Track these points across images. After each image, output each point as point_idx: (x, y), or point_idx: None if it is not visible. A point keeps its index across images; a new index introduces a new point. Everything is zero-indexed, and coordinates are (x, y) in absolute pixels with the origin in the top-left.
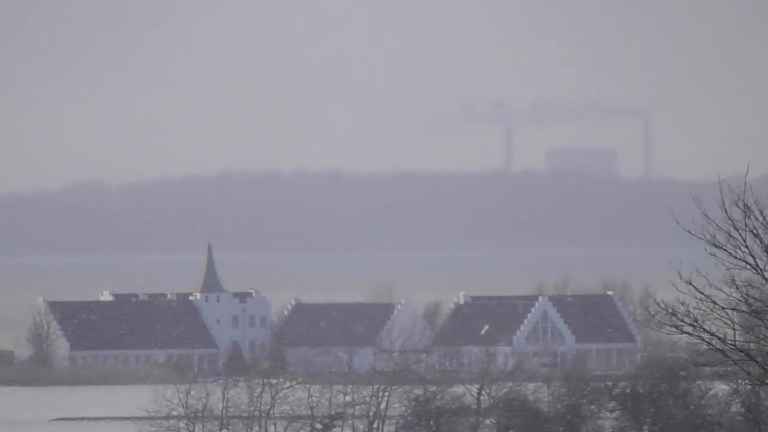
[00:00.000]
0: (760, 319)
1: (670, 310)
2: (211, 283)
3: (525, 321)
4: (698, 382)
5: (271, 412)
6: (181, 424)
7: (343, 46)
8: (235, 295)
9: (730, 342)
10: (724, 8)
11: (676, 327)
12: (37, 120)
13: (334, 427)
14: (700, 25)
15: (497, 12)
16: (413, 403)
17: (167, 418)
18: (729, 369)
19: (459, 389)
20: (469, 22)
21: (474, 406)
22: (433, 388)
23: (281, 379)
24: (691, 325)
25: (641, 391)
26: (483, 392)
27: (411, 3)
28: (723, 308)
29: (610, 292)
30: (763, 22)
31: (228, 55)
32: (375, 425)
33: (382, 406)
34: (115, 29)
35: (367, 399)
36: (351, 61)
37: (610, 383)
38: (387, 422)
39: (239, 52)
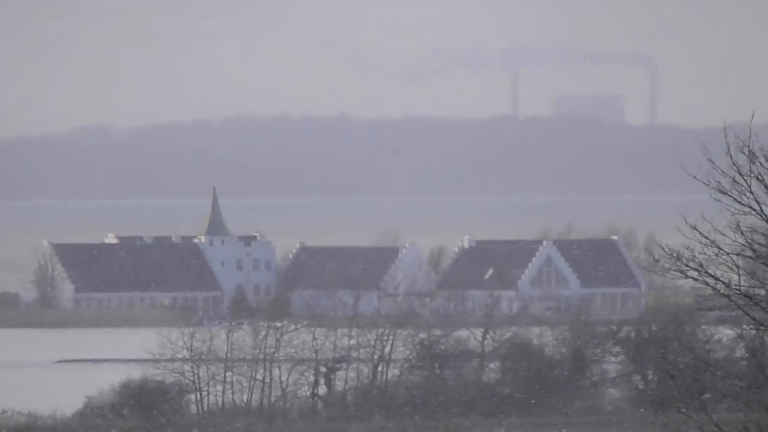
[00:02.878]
0: (764, 264)
1: (674, 255)
2: (216, 226)
3: (529, 265)
4: (703, 326)
5: (276, 354)
6: (186, 367)
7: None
8: (240, 238)
9: (734, 287)
10: None
11: (681, 272)
12: (46, 64)
13: (339, 370)
14: None
15: None
16: (417, 346)
17: (172, 360)
18: (733, 314)
19: (463, 333)
20: None
21: (478, 350)
22: (438, 332)
23: (286, 322)
24: (695, 269)
25: (645, 336)
26: (487, 336)
27: None
28: (728, 253)
29: (614, 237)
30: None
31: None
32: (379, 368)
33: (387, 349)
34: None
35: (372, 342)
36: (343, 14)
37: (615, 328)
38: (391, 365)
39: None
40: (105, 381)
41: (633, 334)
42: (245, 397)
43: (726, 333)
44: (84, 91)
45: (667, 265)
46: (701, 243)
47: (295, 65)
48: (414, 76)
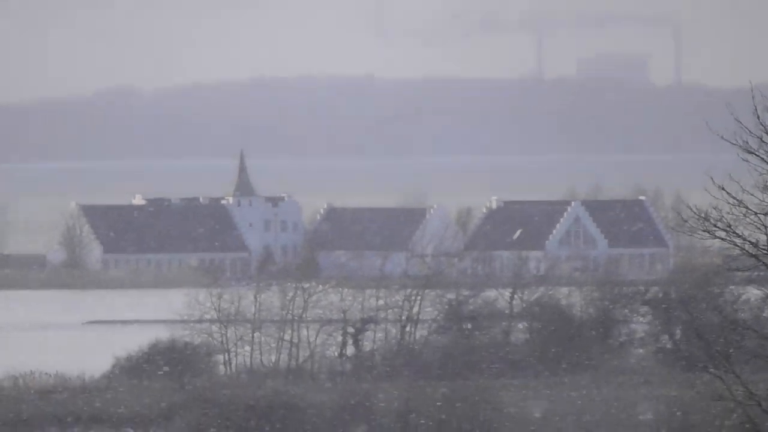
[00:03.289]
0: None
1: (702, 215)
2: (244, 187)
3: (557, 225)
4: (730, 287)
5: (304, 315)
6: (214, 328)
7: None
8: (267, 199)
9: (763, 247)
10: None
11: (709, 232)
12: (71, 25)
13: (367, 330)
14: None
15: None
16: (446, 306)
17: (200, 321)
18: (761, 274)
19: (491, 293)
20: None
21: (506, 310)
22: (466, 292)
23: (313, 283)
24: (724, 230)
25: (673, 296)
26: (515, 296)
27: None
28: (756, 213)
29: (642, 197)
30: None
31: None
32: (407, 329)
33: (415, 309)
34: None
35: (400, 303)
36: None
37: (642, 288)
38: (419, 326)
39: None
40: (133, 342)
41: (661, 295)
42: (273, 358)
43: (754, 293)
44: (108, 52)
45: (694, 226)
46: (729, 203)
47: (319, 27)
48: (434, 39)
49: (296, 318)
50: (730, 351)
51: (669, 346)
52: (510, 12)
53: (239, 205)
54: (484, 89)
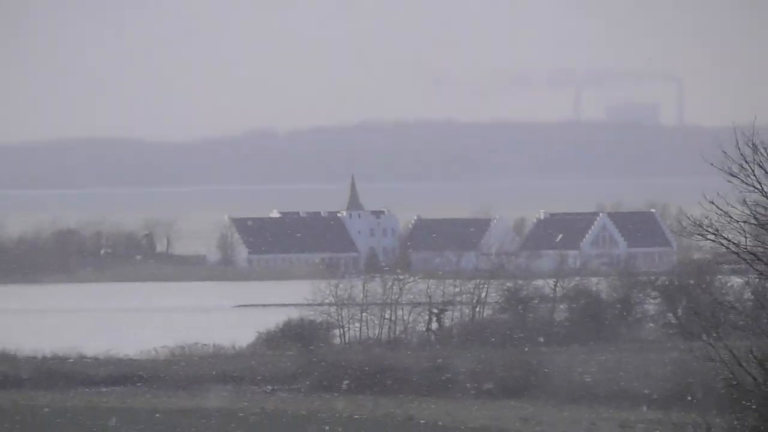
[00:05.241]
0: (765, 229)
1: (697, 223)
2: (354, 204)
3: (589, 231)
4: (719, 276)
5: (399, 299)
6: (332, 310)
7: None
8: (372, 212)
9: (742, 246)
10: None
11: (702, 235)
12: (196, 68)
13: (446, 311)
14: (723, 7)
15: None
16: (506, 292)
17: (321, 305)
18: (742, 266)
19: (540, 282)
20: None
21: (551, 295)
22: (521, 282)
23: (407, 275)
24: (713, 234)
25: (676, 283)
26: (558, 285)
27: None
28: (737, 221)
29: (653, 210)
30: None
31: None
32: (477, 309)
33: (482, 295)
34: None
35: (471, 290)
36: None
37: (653, 277)
38: (486, 307)
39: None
40: (271, 320)
41: (667, 282)
42: (376, 332)
43: (736, 281)
44: (251, 99)
45: (692, 231)
46: (717, 214)
47: (397, 79)
48: (491, 92)
49: (394, 301)
50: (719, 325)
51: (673, 321)
52: (538, 71)
53: (351, 217)
54: (533, 131)
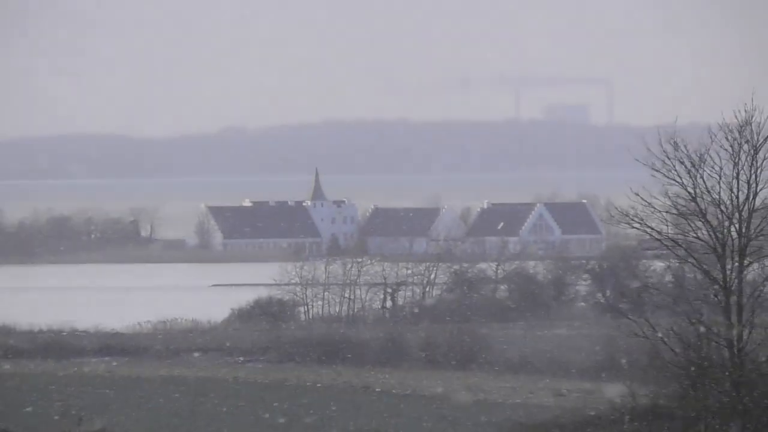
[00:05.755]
0: (684, 218)
1: (624, 213)
2: (318, 194)
3: (527, 220)
4: (643, 260)
5: (357, 280)
6: (297, 289)
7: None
8: (334, 202)
9: (664, 234)
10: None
11: (629, 224)
12: (197, 69)
13: (400, 290)
14: (660, 7)
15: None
16: (453, 274)
17: (288, 284)
18: (664, 252)
19: (483, 265)
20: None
21: (493, 277)
22: (466, 265)
23: (364, 258)
24: (638, 222)
25: (605, 267)
26: (499, 267)
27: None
28: (660, 211)
29: (584, 201)
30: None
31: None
32: (427, 290)
33: (432, 276)
34: None
35: (422, 272)
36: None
37: (584, 261)
38: (435, 287)
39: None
40: (244, 298)
41: (596, 266)
42: (337, 309)
43: (659, 265)
44: (227, 97)
45: (619, 219)
46: (642, 205)
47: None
48: (429, 92)
49: (353, 282)
50: (643, 304)
51: (602, 300)
52: (483, 75)
53: (315, 206)
54: (479, 128)
